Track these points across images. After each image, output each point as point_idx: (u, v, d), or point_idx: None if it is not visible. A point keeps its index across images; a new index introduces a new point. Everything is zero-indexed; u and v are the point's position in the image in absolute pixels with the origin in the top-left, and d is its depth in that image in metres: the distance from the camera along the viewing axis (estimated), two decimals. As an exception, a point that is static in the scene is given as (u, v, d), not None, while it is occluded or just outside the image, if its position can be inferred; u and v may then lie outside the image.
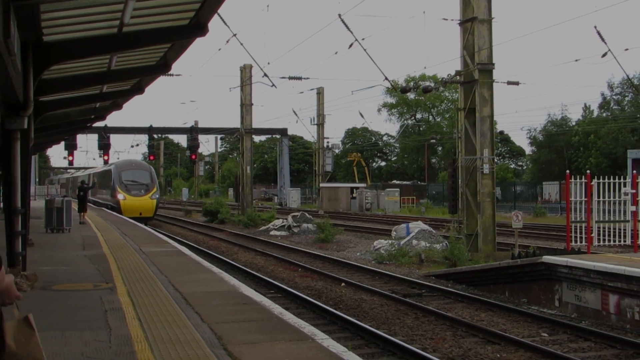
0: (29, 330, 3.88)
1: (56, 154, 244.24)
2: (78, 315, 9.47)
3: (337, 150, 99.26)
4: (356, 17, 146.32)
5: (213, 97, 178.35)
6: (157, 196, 48.99)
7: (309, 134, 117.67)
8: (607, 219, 21.15)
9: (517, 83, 30.54)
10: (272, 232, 40.49)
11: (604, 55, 26.13)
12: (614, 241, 21.17)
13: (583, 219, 20.39)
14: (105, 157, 46.50)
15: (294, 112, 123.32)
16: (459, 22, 27.04)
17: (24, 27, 11.36)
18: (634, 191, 20.55)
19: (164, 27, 14.15)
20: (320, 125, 75.13)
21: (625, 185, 20.83)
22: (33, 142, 18.72)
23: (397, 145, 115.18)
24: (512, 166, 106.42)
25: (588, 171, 22.31)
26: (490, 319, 15.39)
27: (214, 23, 14.36)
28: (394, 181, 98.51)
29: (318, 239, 35.01)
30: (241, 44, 30.60)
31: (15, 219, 12.98)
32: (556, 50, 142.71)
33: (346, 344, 10.99)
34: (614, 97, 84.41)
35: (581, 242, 20.28)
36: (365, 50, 30.49)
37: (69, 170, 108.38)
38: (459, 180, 27.86)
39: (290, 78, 47.44)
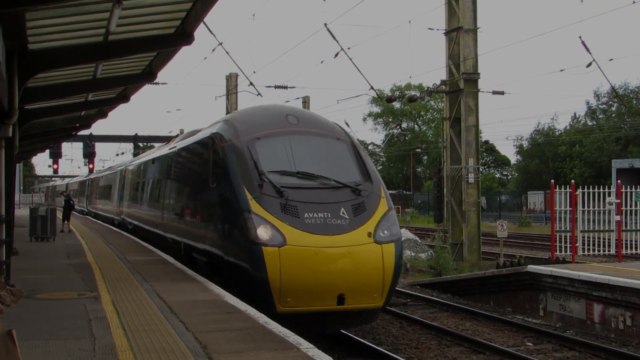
0: (12, 346, 3.81)
1: (41, 162, 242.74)
2: (62, 324, 9.40)
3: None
4: (342, 27, 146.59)
5: (199, 106, 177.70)
6: (398, 232, 12.56)
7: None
8: (591, 228, 21.26)
9: (502, 93, 30.76)
10: (257, 241, 40.27)
11: (588, 66, 26.27)
12: (599, 251, 21.26)
13: (568, 229, 20.48)
14: (90, 166, 45.39)
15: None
16: (444, 32, 27.19)
17: (9, 35, 11.32)
18: (618, 201, 20.66)
19: (150, 35, 14.13)
20: (306, 134, 74.94)
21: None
22: (18, 150, 18.58)
23: (383, 154, 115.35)
24: (497, 175, 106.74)
25: (572, 181, 22.41)
26: (475, 329, 15.42)
27: (199, 32, 14.34)
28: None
29: (304, 248, 34.84)
30: (227, 53, 30.45)
31: (0, 227, 12.91)
32: (541, 60, 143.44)
33: (331, 354, 10.98)
34: (600, 106, 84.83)
35: (566, 251, 20.35)
36: (351, 59, 30.49)
37: (54, 178, 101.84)
38: (445, 190, 27.95)
39: (276, 87, 47.40)
